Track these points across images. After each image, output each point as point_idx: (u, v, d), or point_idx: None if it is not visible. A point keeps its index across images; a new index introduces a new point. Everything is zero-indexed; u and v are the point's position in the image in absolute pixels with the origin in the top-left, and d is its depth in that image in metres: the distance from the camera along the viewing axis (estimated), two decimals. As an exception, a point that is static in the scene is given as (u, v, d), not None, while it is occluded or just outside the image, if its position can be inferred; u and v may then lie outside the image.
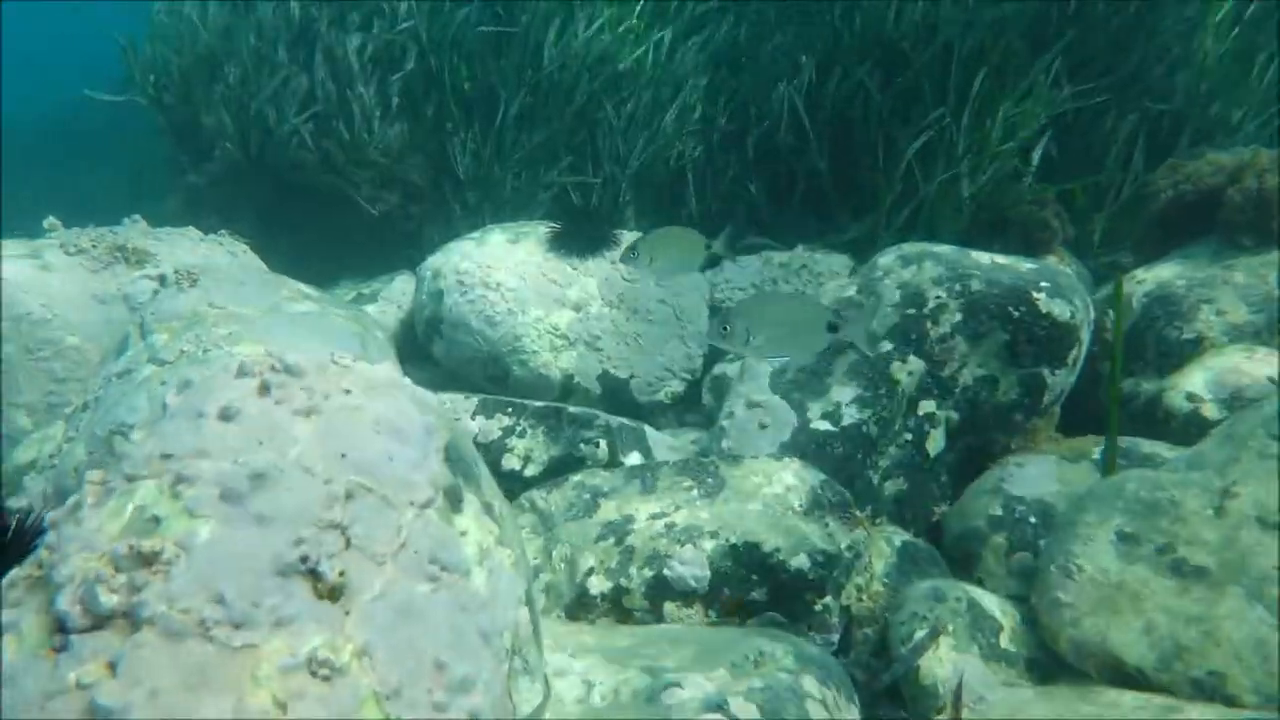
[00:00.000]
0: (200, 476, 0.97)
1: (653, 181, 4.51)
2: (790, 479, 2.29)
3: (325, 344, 2.35)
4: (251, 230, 4.34)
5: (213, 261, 3.22)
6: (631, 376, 3.39)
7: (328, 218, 4.26)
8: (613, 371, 3.39)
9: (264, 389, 1.13)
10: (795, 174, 4.09)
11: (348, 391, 1.15)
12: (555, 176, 4.35)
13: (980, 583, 2.23)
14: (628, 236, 3.74)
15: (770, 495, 2.28)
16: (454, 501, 1.11)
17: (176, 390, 1.16)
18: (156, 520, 0.93)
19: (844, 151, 4.00)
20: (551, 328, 3.42)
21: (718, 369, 3.40)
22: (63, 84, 6.14)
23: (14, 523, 1.02)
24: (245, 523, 0.93)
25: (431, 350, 3.64)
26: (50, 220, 3.06)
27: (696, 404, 3.51)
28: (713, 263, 3.58)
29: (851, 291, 2.69)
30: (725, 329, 2.06)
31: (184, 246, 3.21)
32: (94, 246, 2.97)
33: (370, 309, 3.95)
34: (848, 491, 2.28)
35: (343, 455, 1.05)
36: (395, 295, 4.03)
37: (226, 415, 1.06)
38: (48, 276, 2.83)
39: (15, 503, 1.98)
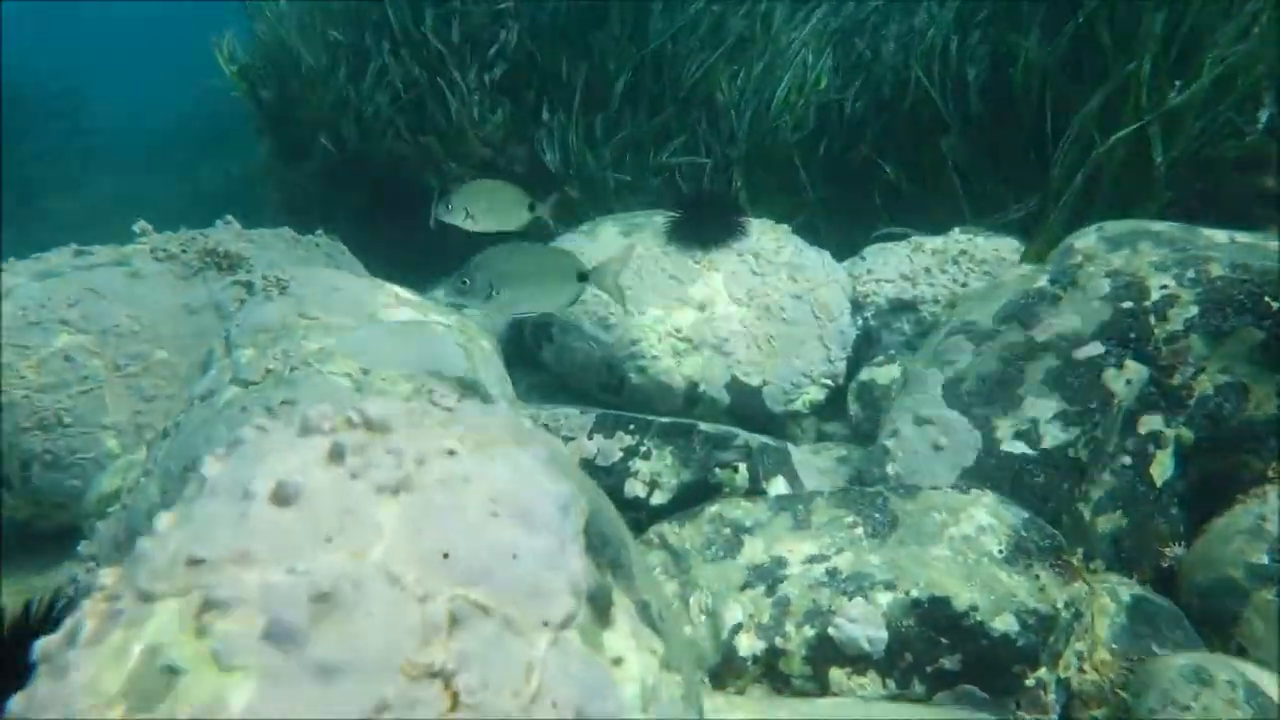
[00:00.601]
0: (239, 599, 0.64)
1: (770, 163, 4.08)
2: (984, 517, 1.85)
3: (425, 358, 2.05)
4: (350, 229, 4.15)
5: (307, 265, 2.99)
6: (764, 383, 2.99)
7: (428, 214, 4.01)
8: (743, 378, 2.99)
9: (336, 454, 0.80)
10: (938, 148, 3.58)
11: (452, 453, 0.81)
12: (664, 159, 3.97)
13: (1244, 654, 1.74)
14: (757, 225, 3.33)
15: (959, 537, 1.85)
16: (601, 611, 0.76)
17: (221, 455, 0.85)
18: (173, 672, 0.62)
19: (1000, 118, 3.47)
20: (673, 329, 3.05)
21: (865, 374, 2.95)
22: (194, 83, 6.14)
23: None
24: (301, 678, 0.60)
25: (541, 355, 3.33)
26: (141, 224, 2.88)
27: (838, 412, 3.08)
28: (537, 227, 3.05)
29: (1043, 282, 2.21)
30: (465, 284, 1.79)
31: (278, 249, 2.99)
32: (184, 251, 2.77)
33: (473, 312, 3.67)
34: (1057, 532, 1.82)
35: (445, 555, 0.71)
36: (499, 295, 3.74)
37: (283, 496, 0.74)
38: (136, 285, 2.63)
39: (86, 548, 1.74)
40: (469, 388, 2.07)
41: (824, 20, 4.08)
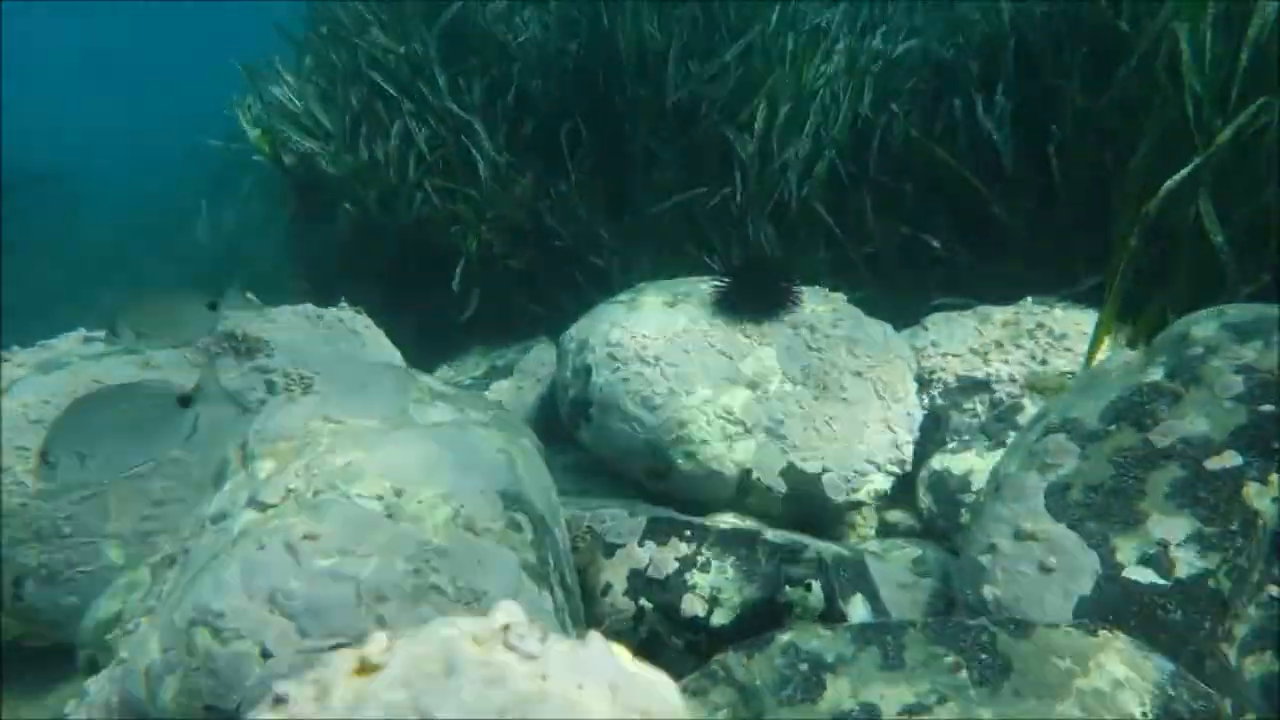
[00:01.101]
0: None
1: (804, 217, 3.83)
2: (1119, 667, 1.58)
3: (464, 471, 1.81)
4: (374, 293, 3.96)
5: (332, 345, 2.78)
6: (824, 470, 2.73)
7: (454, 277, 3.81)
8: (800, 464, 2.74)
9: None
10: (996, 206, 3.35)
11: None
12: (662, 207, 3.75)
13: None
14: (810, 293, 3.10)
15: (1089, 691, 1.58)
16: None
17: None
18: None
19: (1072, 175, 3.24)
20: (723, 411, 2.81)
21: (937, 461, 2.70)
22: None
23: None
24: None
25: (578, 435, 3.10)
26: (155, 306, 2.68)
27: (900, 494, 2.82)
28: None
29: (1156, 375, 1.96)
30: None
31: (300, 328, 2.78)
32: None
33: (504, 385, 3.46)
34: (1211, 691, 1.55)
35: None
36: (532, 367, 3.52)
37: None
38: (148, 376, 2.43)
39: (75, 711, 1.50)
40: (512, 501, 1.84)
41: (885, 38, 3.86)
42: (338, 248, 3.86)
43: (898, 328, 3.29)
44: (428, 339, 4.02)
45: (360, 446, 1.80)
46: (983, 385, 2.78)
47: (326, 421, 1.92)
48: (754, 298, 3.06)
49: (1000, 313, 2.96)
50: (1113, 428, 1.90)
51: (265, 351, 2.59)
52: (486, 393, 3.45)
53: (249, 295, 2.90)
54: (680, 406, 2.83)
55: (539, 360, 3.55)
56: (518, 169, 3.91)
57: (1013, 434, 2.56)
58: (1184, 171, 2.60)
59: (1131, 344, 2.61)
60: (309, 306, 2.96)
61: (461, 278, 3.73)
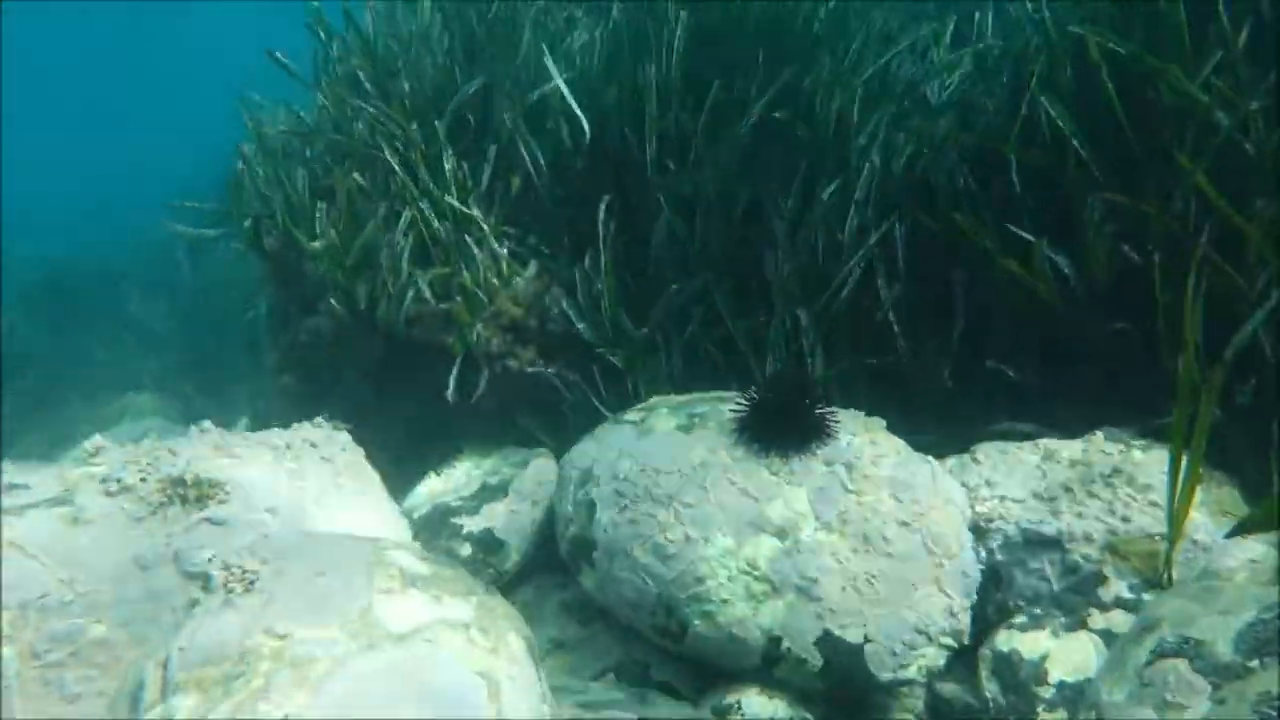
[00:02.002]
0: None
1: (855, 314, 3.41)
2: None
3: (432, 708, 1.44)
4: (358, 392, 3.61)
5: (299, 485, 2.42)
6: (866, 640, 2.34)
7: (448, 377, 3.45)
8: (838, 632, 2.35)
9: None
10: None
11: None
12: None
13: None
14: (847, 419, 2.74)
15: None
16: None
17: None
18: None
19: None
20: (747, 565, 2.43)
21: (1003, 640, 2.31)
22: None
23: None
24: None
25: (580, 578, 2.72)
26: (94, 441, 2.34)
27: (953, 664, 2.43)
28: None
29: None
30: None
31: (263, 464, 2.42)
32: (144, 480, 2.21)
33: (498, 509, 3.08)
34: None
35: None
36: (529, 488, 3.15)
37: None
38: (76, 534, 2.07)
39: None
40: (494, 746, 1.46)
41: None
42: (320, 341, 3.51)
43: (941, 454, 2.93)
44: (418, 438, 3.66)
45: (303, 686, 1.42)
46: (1052, 543, 2.39)
47: (269, 637, 1.55)
48: (782, 424, 2.69)
49: (1067, 449, 2.59)
50: (1254, 664, 1.52)
51: (218, 498, 2.23)
52: (476, 517, 3.07)
53: (206, 425, 2.55)
54: (697, 557, 2.45)
55: (537, 479, 3.18)
56: (520, 259, 3.58)
57: (1095, 611, 2.18)
58: None
59: (1228, 508, 2.23)
60: (275, 434, 2.60)
61: (457, 379, 3.37)
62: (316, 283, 3.52)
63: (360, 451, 2.88)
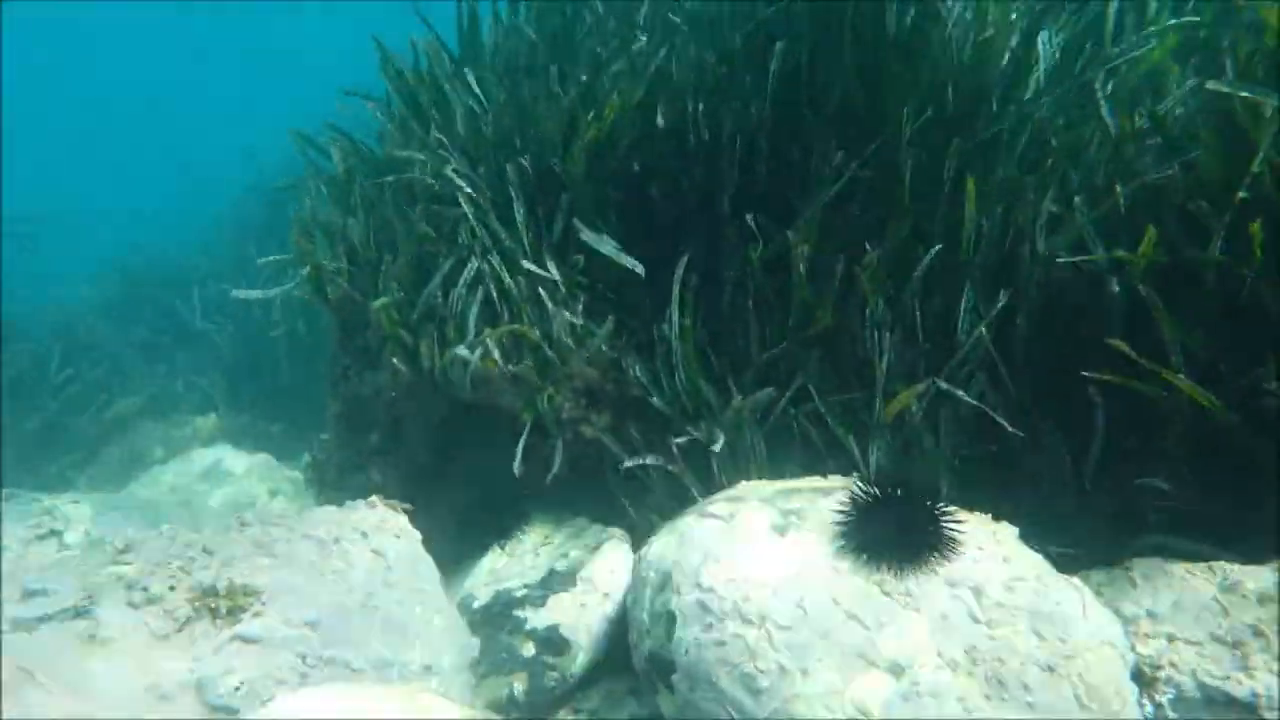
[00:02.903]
0: None
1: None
2: None
3: None
4: (419, 456, 3.36)
5: (341, 586, 2.15)
6: (999, 814, 1.95)
7: (516, 442, 3.16)
8: (964, 800, 1.96)
9: None
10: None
11: None
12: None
13: None
14: (973, 527, 2.34)
15: None
16: None
17: None
18: None
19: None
20: (855, 710, 2.06)
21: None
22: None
23: None
24: None
25: (657, 700, 2.39)
26: (125, 538, 2.11)
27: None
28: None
29: None
30: None
31: (305, 565, 2.16)
32: (172, 589, 1.97)
33: (565, 601, 2.77)
34: None
35: None
36: (601, 577, 2.84)
37: None
38: (92, 657, 1.83)
39: None
40: None
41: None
42: (381, 398, 3.27)
43: (1083, 569, 2.50)
44: (485, 503, 3.38)
45: None
46: (1244, 707, 1.95)
47: None
48: (895, 531, 2.31)
49: (1253, 578, 2.14)
50: None
51: (253, 609, 1.97)
52: (542, 610, 2.77)
53: (247, 518, 2.31)
54: (794, 695, 2.09)
55: (609, 567, 2.86)
56: (596, 316, 3.27)
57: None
58: None
59: None
60: (323, 518, 2.35)
61: (525, 449, 3.08)
62: (381, 334, 3.28)
63: (416, 538, 2.61)
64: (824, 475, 2.82)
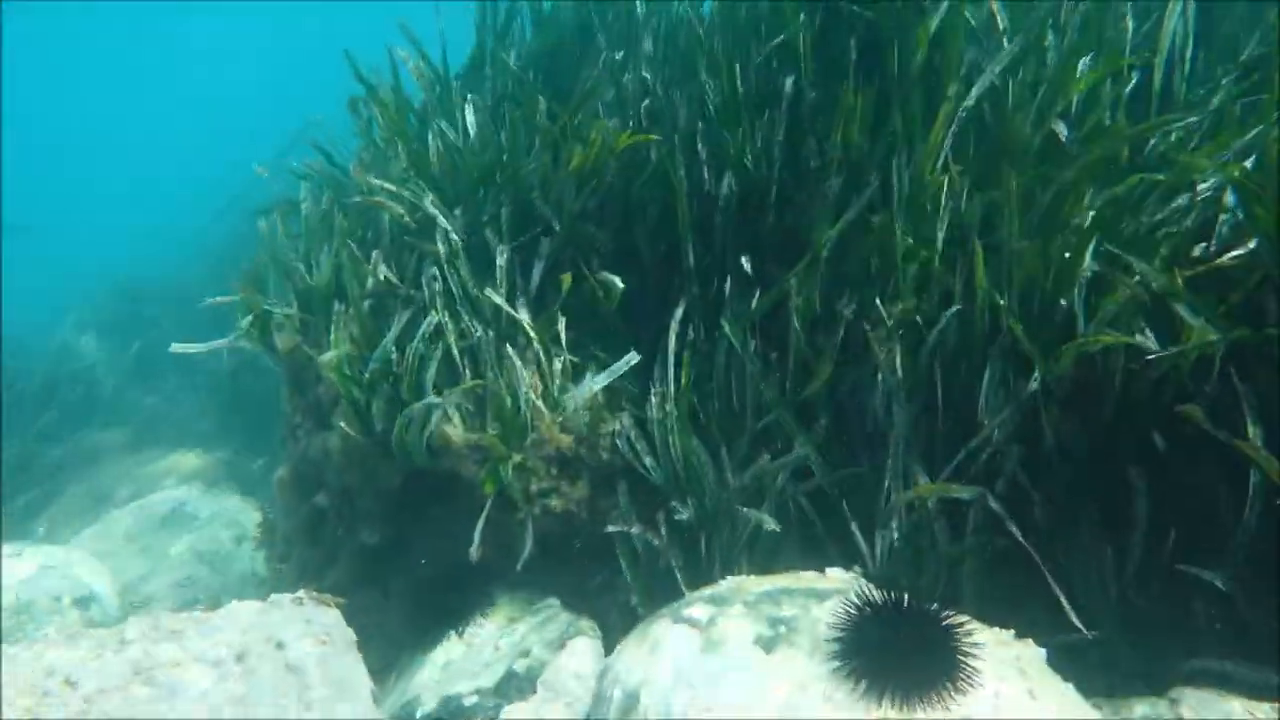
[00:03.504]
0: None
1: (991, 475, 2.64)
2: None
3: None
4: (377, 523, 3.02)
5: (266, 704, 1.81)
6: None
7: (479, 514, 2.82)
8: None
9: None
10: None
11: None
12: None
13: None
14: (988, 644, 1.97)
15: None
16: None
17: None
18: None
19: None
20: None
21: None
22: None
23: None
24: None
25: (616, 847, 2.03)
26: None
27: None
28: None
29: None
30: None
31: (192, 694, 1.82)
32: (22, 729, 1.63)
33: (522, 711, 2.42)
34: None
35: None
36: (564, 682, 2.48)
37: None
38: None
39: None
40: None
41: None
42: (332, 462, 2.94)
43: (1126, 694, 2.13)
44: (444, 582, 3.04)
45: None
46: None
47: None
48: (899, 653, 1.96)
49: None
50: None
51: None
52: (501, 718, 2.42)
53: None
54: None
55: (574, 669, 2.51)
56: (578, 372, 2.94)
57: None
58: None
59: None
60: (232, 627, 2.01)
61: (484, 530, 2.74)
62: (334, 390, 2.96)
63: (349, 640, 2.27)
64: (822, 570, 2.46)
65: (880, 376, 2.56)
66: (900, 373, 2.56)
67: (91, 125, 30.61)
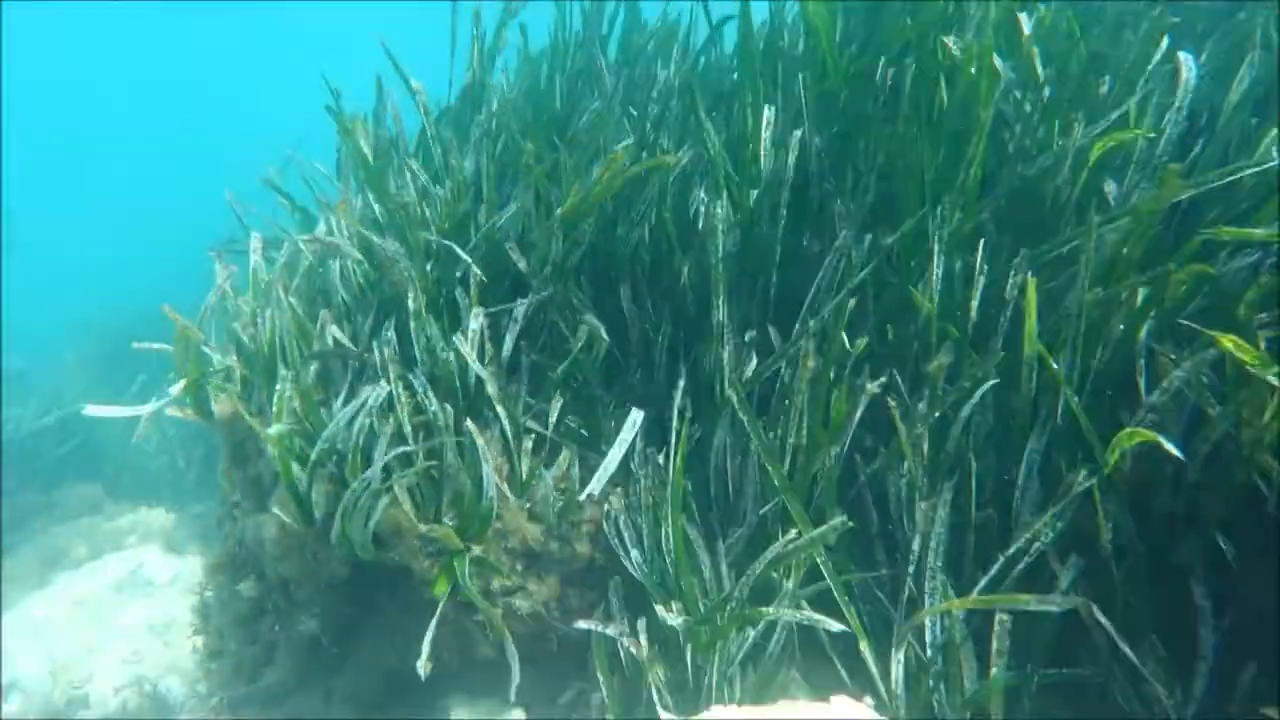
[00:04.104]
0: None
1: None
2: None
3: None
4: (316, 622, 2.64)
5: None
6: None
7: (429, 615, 2.44)
8: None
9: None
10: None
11: None
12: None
13: None
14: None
15: None
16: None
17: None
18: None
19: None
20: None
21: None
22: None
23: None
24: None
25: None
26: None
27: None
28: None
29: None
30: None
31: None
32: None
33: None
34: None
35: None
36: (520, 831, 2.08)
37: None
38: None
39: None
40: None
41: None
42: (270, 555, 2.57)
43: None
44: (394, 692, 2.66)
45: None
46: None
47: None
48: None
49: None
50: None
51: None
52: None
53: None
54: None
55: (534, 814, 2.10)
56: (552, 448, 2.58)
57: None
58: None
59: None
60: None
61: (444, 618, 2.36)
62: (272, 473, 2.60)
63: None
64: (826, 697, 2.06)
65: (906, 466, 2.19)
66: (926, 456, 2.20)
67: (96, 130, 30.31)
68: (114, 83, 31.61)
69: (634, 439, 2.43)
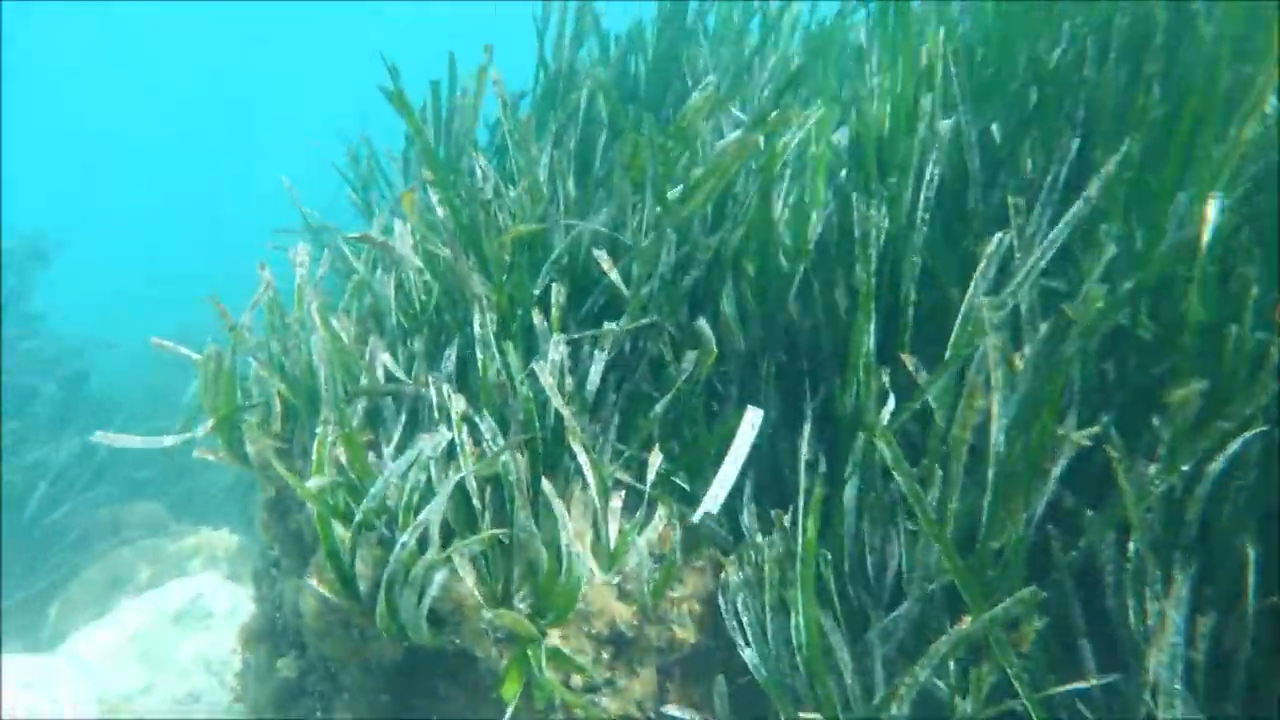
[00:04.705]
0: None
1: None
2: None
3: None
4: (365, 709, 2.21)
5: None
6: None
7: (488, 698, 1.97)
8: None
9: None
10: None
11: None
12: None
13: None
14: None
15: None
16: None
17: None
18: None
19: None
20: None
21: None
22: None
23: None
24: None
25: None
26: None
27: None
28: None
29: None
30: None
31: None
32: None
33: None
34: None
35: None
36: None
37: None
38: None
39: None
40: None
41: None
42: (312, 631, 2.15)
43: None
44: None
45: None
46: None
47: None
48: None
49: None
50: None
51: None
52: None
53: None
54: None
55: None
56: (649, 504, 2.10)
57: None
58: None
59: None
60: None
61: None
62: (312, 531, 2.18)
63: None
64: None
65: (1132, 550, 1.62)
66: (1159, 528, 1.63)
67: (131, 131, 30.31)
68: (172, 96, 31.78)
69: (745, 467, 1.93)
